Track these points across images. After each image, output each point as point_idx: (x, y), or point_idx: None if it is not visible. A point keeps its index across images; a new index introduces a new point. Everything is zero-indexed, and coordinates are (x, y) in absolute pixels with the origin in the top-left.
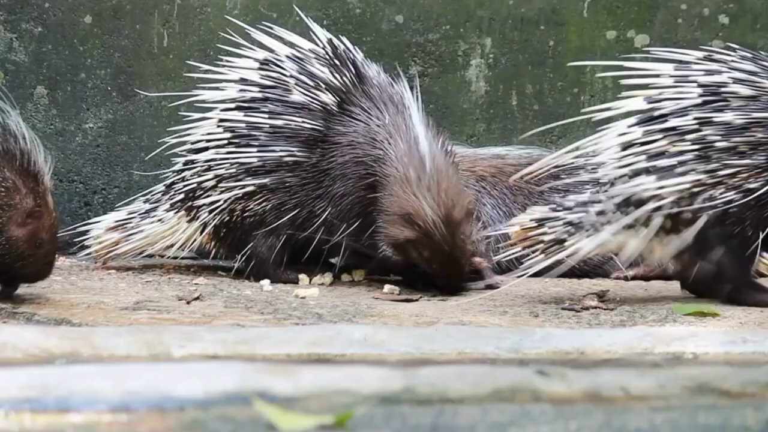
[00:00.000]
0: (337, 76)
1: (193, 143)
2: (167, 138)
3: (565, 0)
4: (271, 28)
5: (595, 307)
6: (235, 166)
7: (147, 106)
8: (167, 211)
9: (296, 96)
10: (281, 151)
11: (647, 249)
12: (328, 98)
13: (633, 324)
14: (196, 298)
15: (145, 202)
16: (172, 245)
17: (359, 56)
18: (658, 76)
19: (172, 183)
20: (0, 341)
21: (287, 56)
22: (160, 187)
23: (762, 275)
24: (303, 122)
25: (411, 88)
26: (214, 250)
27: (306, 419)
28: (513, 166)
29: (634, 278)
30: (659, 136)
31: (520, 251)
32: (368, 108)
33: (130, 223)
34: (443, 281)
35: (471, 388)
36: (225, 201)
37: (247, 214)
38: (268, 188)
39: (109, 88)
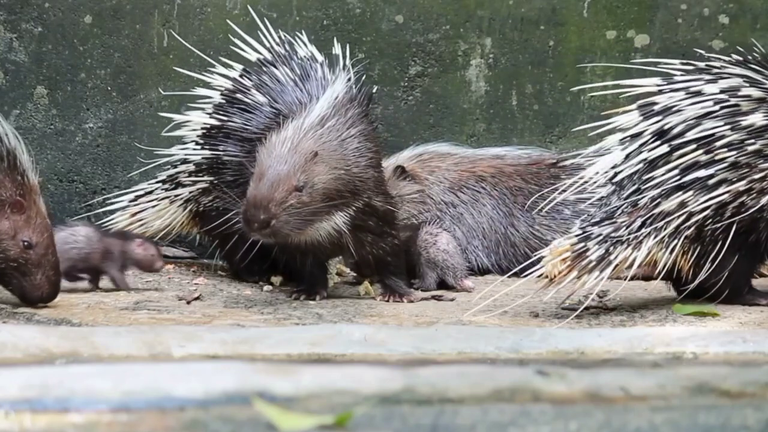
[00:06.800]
0: (280, 77)
1: (179, 138)
2: (166, 134)
3: (565, 0)
4: (270, 25)
5: (595, 307)
6: (194, 164)
7: (147, 106)
8: (162, 190)
9: (245, 98)
10: (222, 151)
11: (675, 261)
12: (262, 98)
13: (633, 324)
14: (196, 298)
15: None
16: (167, 226)
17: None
18: (649, 92)
19: (169, 167)
20: (0, 341)
21: (258, 60)
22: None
23: (762, 275)
24: (235, 122)
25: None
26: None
27: (306, 419)
28: (512, 166)
29: (634, 278)
30: (688, 148)
31: (575, 276)
32: (292, 105)
33: (142, 208)
34: None
35: (471, 388)
36: (192, 194)
37: (209, 208)
38: (218, 186)
39: (109, 88)
